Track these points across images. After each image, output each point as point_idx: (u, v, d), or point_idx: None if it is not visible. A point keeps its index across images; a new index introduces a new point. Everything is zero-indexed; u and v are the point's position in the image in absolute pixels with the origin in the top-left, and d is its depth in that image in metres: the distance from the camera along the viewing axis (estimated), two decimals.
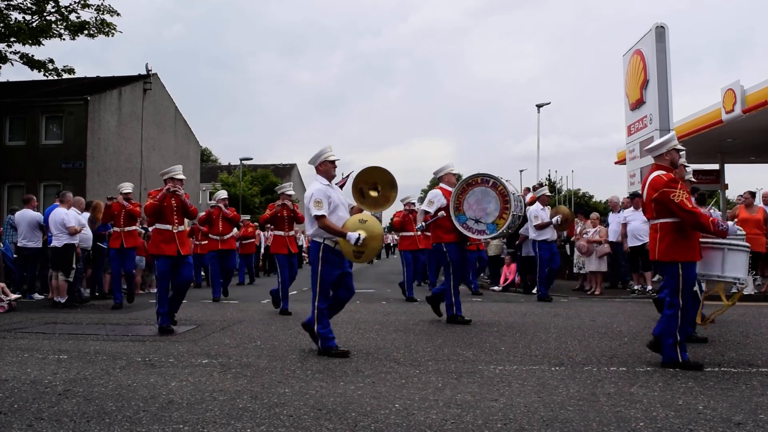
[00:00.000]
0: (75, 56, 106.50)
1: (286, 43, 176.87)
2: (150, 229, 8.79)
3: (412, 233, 11.67)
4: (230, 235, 11.63)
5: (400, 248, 12.34)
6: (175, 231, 7.11)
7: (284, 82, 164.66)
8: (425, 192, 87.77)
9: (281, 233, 9.01)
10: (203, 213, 11.84)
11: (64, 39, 21.36)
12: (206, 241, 12.43)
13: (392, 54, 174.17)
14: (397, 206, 11.82)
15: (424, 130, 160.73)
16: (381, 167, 6.52)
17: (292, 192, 9.48)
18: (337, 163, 5.80)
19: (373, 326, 7.31)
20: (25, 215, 10.65)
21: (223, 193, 11.38)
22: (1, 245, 11.12)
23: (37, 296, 10.73)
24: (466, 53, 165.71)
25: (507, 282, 13.41)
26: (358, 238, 5.27)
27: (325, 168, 5.63)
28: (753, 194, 11.07)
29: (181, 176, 7.45)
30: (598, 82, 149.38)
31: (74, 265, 9.63)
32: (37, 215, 10.77)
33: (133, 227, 9.86)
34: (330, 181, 5.68)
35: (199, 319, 8.04)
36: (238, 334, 6.70)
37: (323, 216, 5.32)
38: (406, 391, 4.08)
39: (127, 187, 10.01)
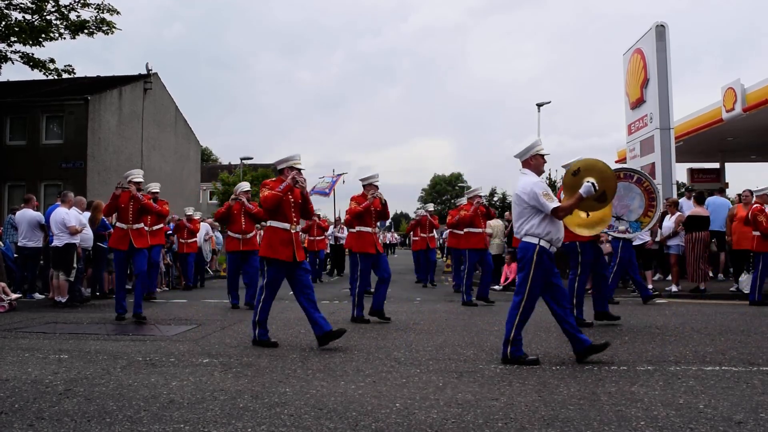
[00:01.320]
0: (75, 56, 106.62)
1: (286, 42, 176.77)
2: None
3: (461, 232, 10.73)
4: (253, 233, 9.87)
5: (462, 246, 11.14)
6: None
7: (284, 82, 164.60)
8: (425, 191, 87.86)
9: (368, 229, 8.03)
10: (221, 207, 10.19)
11: (64, 38, 21.35)
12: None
13: (392, 54, 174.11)
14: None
15: (425, 129, 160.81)
16: (611, 172, 5.33)
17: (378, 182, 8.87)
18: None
19: (373, 326, 7.31)
20: (26, 215, 10.66)
21: (245, 185, 9.92)
22: (2, 245, 11.12)
23: (37, 296, 10.74)
24: (466, 53, 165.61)
25: (508, 281, 13.40)
26: (592, 185, 4.89)
27: (536, 162, 5.26)
28: (752, 193, 11.06)
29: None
30: (598, 81, 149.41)
31: (75, 265, 9.62)
32: (38, 215, 10.77)
33: (142, 224, 8.39)
34: (539, 177, 5.26)
35: (199, 318, 8.04)
36: (238, 333, 6.70)
37: (558, 206, 4.96)
38: (406, 391, 4.08)
39: (138, 175, 8.41)
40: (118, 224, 8.35)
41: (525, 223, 5.05)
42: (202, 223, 14.88)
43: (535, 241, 4.97)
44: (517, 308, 4.96)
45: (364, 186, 8.28)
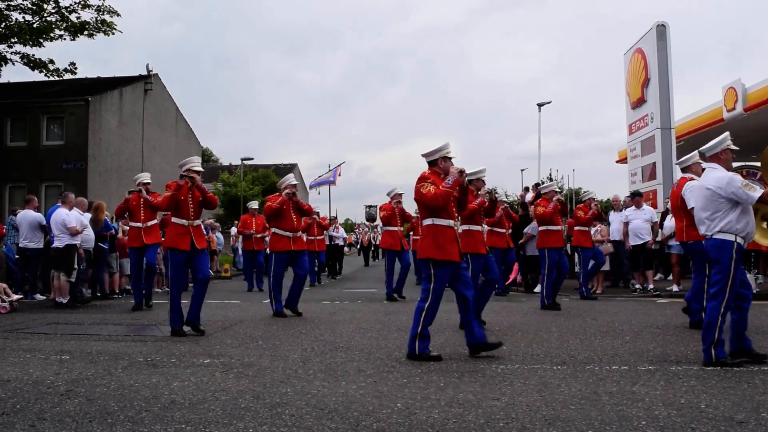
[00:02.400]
0: (76, 56, 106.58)
1: (287, 43, 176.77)
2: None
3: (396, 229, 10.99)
4: (301, 233, 9.10)
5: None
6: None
7: (286, 82, 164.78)
8: None
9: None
10: (273, 203, 8.69)
11: (64, 39, 21.38)
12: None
13: (394, 54, 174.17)
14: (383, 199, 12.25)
15: (425, 129, 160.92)
16: None
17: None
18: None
19: (374, 326, 7.31)
20: (26, 216, 10.66)
21: (290, 178, 8.79)
22: (3, 246, 11.13)
23: (38, 297, 10.74)
24: (467, 52, 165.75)
25: (509, 281, 13.40)
26: None
27: (726, 156, 5.16)
28: None
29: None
30: (599, 80, 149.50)
31: (76, 266, 9.63)
32: (38, 216, 10.78)
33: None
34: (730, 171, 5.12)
35: (200, 318, 8.03)
36: (239, 333, 6.70)
37: (764, 191, 4.84)
38: (408, 391, 4.08)
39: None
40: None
41: (720, 219, 4.87)
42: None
43: (731, 238, 4.82)
44: (718, 309, 4.81)
45: (471, 181, 6.80)
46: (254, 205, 14.07)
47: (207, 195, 7.11)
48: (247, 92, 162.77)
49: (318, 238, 14.46)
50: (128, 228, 9.52)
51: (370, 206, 35.13)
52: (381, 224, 13.95)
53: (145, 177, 9.42)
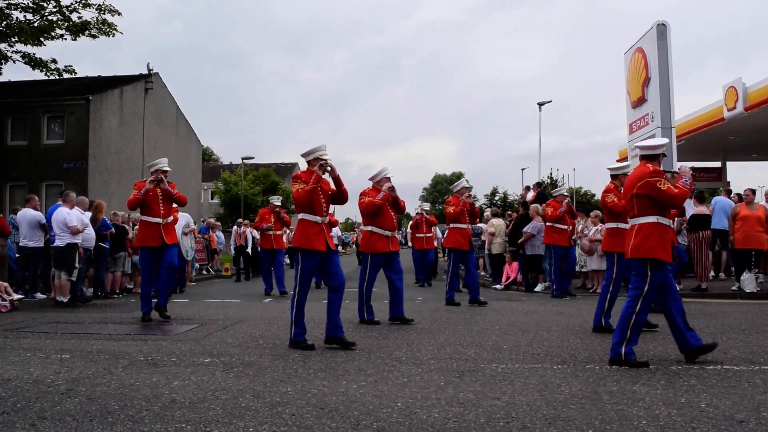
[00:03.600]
0: (78, 55, 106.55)
1: (289, 41, 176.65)
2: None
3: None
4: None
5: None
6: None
7: (288, 81, 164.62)
8: (426, 191, 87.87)
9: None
10: (373, 199, 8.30)
11: (65, 39, 21.38)
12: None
13: (395, 52, 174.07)
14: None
15: (427, 128, 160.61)
16: None
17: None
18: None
19: (375, 325, 7.31)
20: (26, 215, 10.67)
21: (386, 170, 8.02)
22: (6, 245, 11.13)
23: (39, 296, 10.75)
24: (469, 51, 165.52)
25: (509, 280, 13.41)
26: None
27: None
28: (754, 192, 11.07)
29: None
30: (601, 79, 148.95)
31: (76, 265, 9.63)
32: (38, 215, 10.78)
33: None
34: None
35: (201, 318, 8.04)
36: (240, 332, 6.70)
37: None
38: (408, 390, 4.08)
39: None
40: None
41: None
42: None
43: None
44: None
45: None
46: (277, 200, 12.73)
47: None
48: (248, 91, 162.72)
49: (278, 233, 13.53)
50: (140, 224, 8.20)
51: None
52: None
53: (164, 163, 8.18)
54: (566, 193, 10.89)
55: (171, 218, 8.19)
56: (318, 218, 5.93)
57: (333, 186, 6.16)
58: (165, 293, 7.93)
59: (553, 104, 42.40)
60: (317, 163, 5.88)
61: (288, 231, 15.22)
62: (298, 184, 5.85)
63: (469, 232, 9.66)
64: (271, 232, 12.30)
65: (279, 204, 12.64)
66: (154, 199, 7.89)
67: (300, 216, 5.93)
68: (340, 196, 6.17)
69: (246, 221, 18.55)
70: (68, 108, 21.34)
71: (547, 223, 10.66)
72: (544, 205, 11.70)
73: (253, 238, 16.71)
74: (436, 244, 17.27)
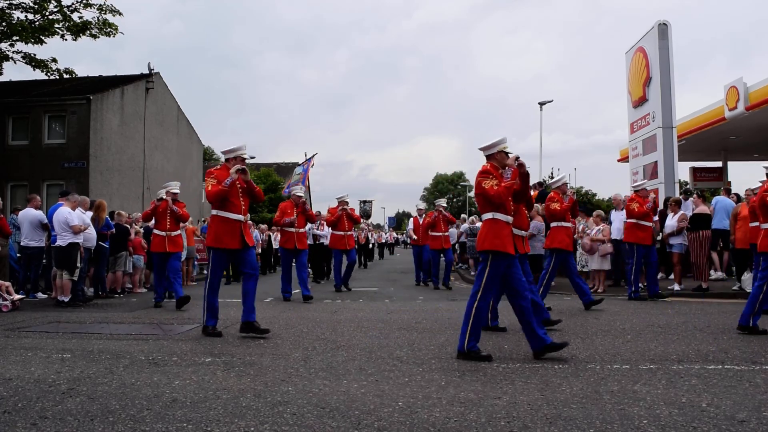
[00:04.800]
0: (79, 55, 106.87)
1: (291, 41, 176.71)
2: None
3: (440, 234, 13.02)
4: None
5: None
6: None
7: (289, 81, 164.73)
8: (427, 190, 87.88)
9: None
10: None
11: (65, 39, 21.39)
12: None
13: (397, 51, 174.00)
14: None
15: (429, 127, 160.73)
16: None
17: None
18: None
19: (376, 324, 7.31)
20: (27, 214, 10.68)
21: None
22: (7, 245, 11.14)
23: (40, 295, 10.76)
24: (470, 50, 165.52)
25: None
26: None
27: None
28: (755, 191, 11.05)
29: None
30: (603, 78, 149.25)
31: (78, 264, 9.64)
32: (39, 214, 10.79)
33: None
34: None
35: (201, 317, 8.03)
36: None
37: None
38: (409, 389, 4.08)
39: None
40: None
41: None
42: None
43: None
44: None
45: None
46: (299, 191, 11.02)
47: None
48: (250, 91, 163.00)
49: (348, 233, 12.41)
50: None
51: (365, 201, 32.74)
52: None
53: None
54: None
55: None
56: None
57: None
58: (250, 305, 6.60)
59: (554, 103, 42.30)
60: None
61: (313, 227, 15.00)
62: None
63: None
64: (293, 229, 10.52)
65: (302, 195, 10.97)
66: (235, 192, 6.56)
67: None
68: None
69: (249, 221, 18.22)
70: (69, 108, 21.34)
71: (552, 223, 9.78)
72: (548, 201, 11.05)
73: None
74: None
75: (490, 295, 5.22)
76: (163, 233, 9.47)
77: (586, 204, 28.86)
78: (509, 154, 5.35)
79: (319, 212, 16.88)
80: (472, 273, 14.29)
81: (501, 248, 5.09)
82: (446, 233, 13.29)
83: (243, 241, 6.39)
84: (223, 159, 6.69)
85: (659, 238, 11.81)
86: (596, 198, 52.47)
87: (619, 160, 24.07)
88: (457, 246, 18.80)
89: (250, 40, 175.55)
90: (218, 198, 6.32)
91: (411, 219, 14.49)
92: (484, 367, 4.79)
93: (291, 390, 4.07)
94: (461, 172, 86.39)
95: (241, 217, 6.48)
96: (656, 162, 15.72)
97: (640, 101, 16.68)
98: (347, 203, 12.62)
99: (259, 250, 16.82)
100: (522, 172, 5.41)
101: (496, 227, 5.18)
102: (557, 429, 3.23)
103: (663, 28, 15.47)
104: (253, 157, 34.58)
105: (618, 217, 12.05)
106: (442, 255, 13.61)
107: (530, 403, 3.73)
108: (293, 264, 10.74)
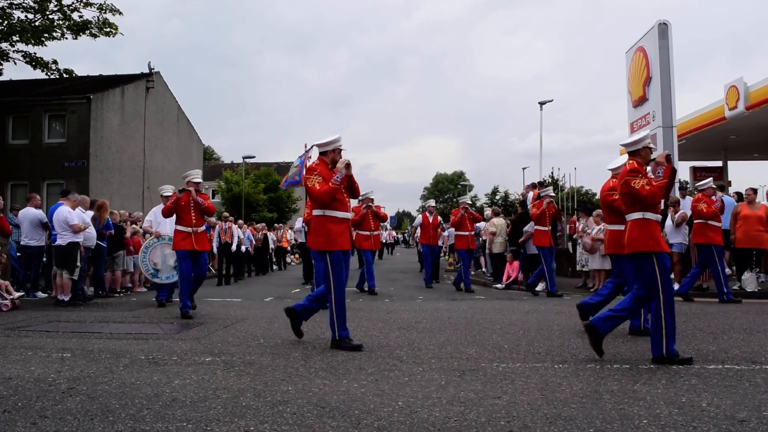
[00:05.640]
0: (80, 54, 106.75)
1: (291, 41, 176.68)
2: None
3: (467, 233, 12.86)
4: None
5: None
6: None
7: (289, 80, 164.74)
8: (427, 190, 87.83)
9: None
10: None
11: (66, 38, 21.38)
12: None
13: (397, 51, 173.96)
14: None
15: (429, 127, 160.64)
16: None
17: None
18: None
19: (376, 324, 7.31)
20: (27, 214, 10.68)
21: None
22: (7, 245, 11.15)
23: (40, 294, 10.76)
24: (471, 49, 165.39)
25: (510, 279, 13.40)
26: None
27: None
28: (755, 191, 11.06)
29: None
30: (604, 78, 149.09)
31: (78, 264, 9.64)
32: (39, 213, 10.79)
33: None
34: None
35: (202, 317, 8.05)
36: (241, 331, 6.70)
37: None
38: (409, 389, 4.08)
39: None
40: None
41: None
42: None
43: None
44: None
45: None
46: (371, 194, 11.48)
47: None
48: (250, 90, 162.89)
49: (375, 233, 12.21)
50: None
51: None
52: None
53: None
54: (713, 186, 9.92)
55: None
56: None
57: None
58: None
59: (555, 103, 42.39)
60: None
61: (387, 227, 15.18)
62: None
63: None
64: (368, 233, 11.78)
65: (372, 198, 11.70)
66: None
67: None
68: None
69: (231, 217, 16.85)
70: (69, 107, 21.34)
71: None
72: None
73: (238, 237, 15.68)
74: (441, 243, 16.73)
75: (671, 296, 5.04)
76: (188, 229, 8.14)
77: (586, 204, 28.88)
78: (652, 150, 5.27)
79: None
80: (471, 273, 14.27)
81: (658, 248, 4.99)
82: (472, 232, 13.02)
83: (352, 242, 6.09)
84: (317, 153, 5.99)
85: None
86: (596, 198, 52.48)
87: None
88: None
89: (250, 39, 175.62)
90: (330, 197, 5.67)
91: (420, 216, 13.96)
92: (484, 367, 4.79)
93: (291, 389, 4.07)
94: (461, 171, 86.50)
95: (349, 215, 5.97)
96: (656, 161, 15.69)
97: (640, 101, 16.66)
98: (372, 200, 12.07)
99: (240, 249, 16.34)
100: (672, 168, 5.25)
101: (649, 228, 5.03)
102: (557, 429, 3.23)
103: (663, 28, 15.45)
104: (253, 157, 34.66)
105: None
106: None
107: (530, 402, 3.73)
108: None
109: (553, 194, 11.24)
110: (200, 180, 8.44)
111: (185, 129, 28.67)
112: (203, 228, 8.39)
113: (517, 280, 13.22)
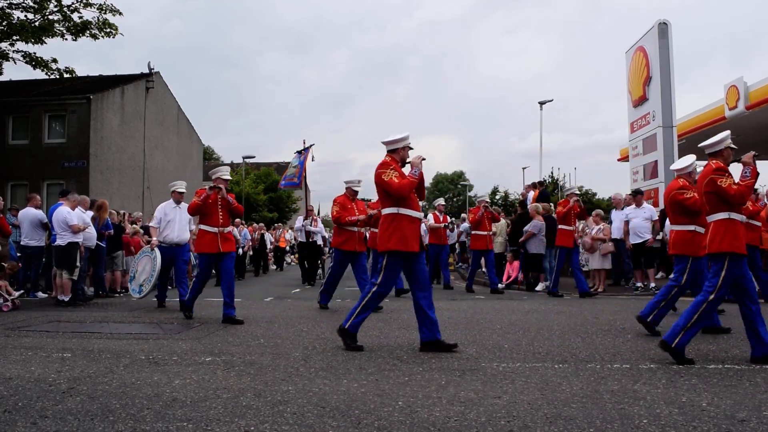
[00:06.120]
0: (80, 54, 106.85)
1: (291, 41, 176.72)
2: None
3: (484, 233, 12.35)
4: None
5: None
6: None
7: (289, 80, 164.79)
8: (427, 190, 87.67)
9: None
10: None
11: (65, 39, 21.38)
12: None
13: (398, 51, 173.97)
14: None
15: (429, 127, 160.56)
16: None
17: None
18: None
19: (376, 324, 7.31)
20: (27, 214, 10.68)
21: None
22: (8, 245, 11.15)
23: (40, 295, 10.76)
24: (471, 49, 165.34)
25: (510, 279, 13.41)
26: None
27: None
28: (755, 191, 11.04)
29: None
30: (604, 77, 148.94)
31: (78, 264, 9.64)
32: (39, 213, 10.79)
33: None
34: None
35: (202, 317, 8.05)
36: (241, 331, 6.71)
37: None
38: (409, 389, 4.08)
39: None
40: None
41: None
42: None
43: None
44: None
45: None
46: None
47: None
48: (250, 90, 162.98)
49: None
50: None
51: (362, 200, 29.84)
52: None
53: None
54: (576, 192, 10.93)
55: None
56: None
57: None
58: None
59: (555, 103, 42.46)
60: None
61: (306, 224, 14.49)
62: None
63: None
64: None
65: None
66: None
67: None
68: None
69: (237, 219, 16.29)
70: (69, 107, 21.35)
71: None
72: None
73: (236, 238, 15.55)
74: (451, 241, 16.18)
75: (721, 298, 4.96)
76: (215, 229, 7.64)
77: (586, 203, 28.92)
78: (733, 149, 5.21)
79: (311, 207, 16.09)
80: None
81: (739, 250, 4.92)
82: (491, 232, 12.51)
83: (421, 244, 5.75)
84: (387, 149, 5.68)
85: (660, 237, 11.81)
86: (596, 197, 52.46)
87: (619, 160, 24.07)
88: (457, 245, 18.63)
89: (250, 39, 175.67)
90: (411, 190, 5.42)
91: (430, 215, 13.19)
92: (485, 367, 4.79)
93: (291, 389, 4.07)
94: (461, 171, 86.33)
95: (421, 215, 5.70)
96: (656, 161, 15.72)
97: (641, 100, 16.67)
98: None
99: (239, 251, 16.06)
100: (757, 170, 5.19)
101: (734, 228, 4.96)
102: (557, 428, 3.23)
103: (663, 28, 15.46)
104: (253, 157, 34.67)
105: (618, 217, 12.05)
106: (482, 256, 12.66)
107: (530, 402, 3.73)
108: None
109: (578, 192, 11.12)
110: (230, 177, 8.09)
111: (185, 129, 28.68)
112: (230, 228, 7.95)
113: (517, 280, 13.22)
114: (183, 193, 9.32)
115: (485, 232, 12.24)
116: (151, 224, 9.57)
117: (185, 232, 9.35)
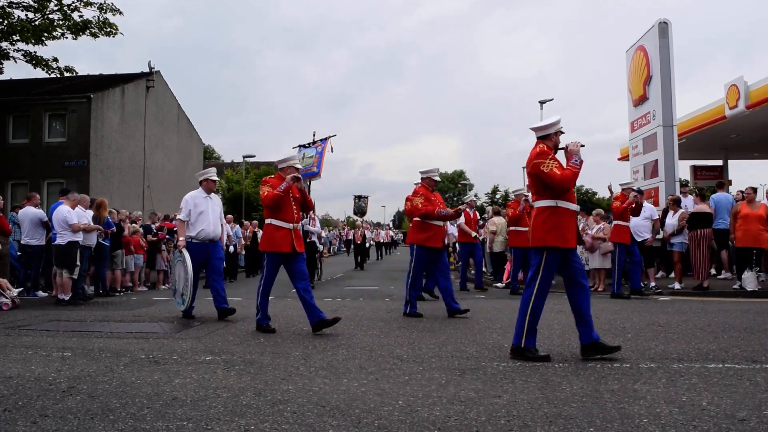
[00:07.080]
0: (80, 53, 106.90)
1: (292, 40, 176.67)
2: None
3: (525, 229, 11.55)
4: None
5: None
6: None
7: (289, 79, 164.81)
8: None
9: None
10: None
11: (66, 38, 21.39)
12: None
13: (399, 50, 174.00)
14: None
15: (429, 126, 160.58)
16: None
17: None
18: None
19: (376, 323, 7.31)
20: (28, 213, 10.69)
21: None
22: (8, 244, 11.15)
23: (40, 294, 10.77)
24: (472, 48, 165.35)
25: (510, 279, 13.39)
26: None
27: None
28: (755, 190, 11.06)
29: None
30: (604, 77, 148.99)
31: (78, 263, 9.65)
32: (40, 212, 10.80)
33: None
34: None
35: (202, 316, 8.06)
36: (241, 331, 6.71)
37: None
38: (409, 388, 4.08)
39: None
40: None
41: None
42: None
43: None
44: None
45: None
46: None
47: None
48: (250, 89, 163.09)
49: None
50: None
51: (359, 197, 27.04)
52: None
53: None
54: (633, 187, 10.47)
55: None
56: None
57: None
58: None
59: (555, 102, 42.47)
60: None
61: (305, 223, 14.11)
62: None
63: None
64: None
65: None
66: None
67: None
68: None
69: (230, 216, 16.22)
70: (70, 106, 21.34)
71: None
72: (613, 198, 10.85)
73: (228, 236, 14.75)
74: (447, 241, 15.91)
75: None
76: (290, 225, 6.75)
77: (586, 203, 28.89)
78: None
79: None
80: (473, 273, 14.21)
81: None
82: (523, 228, 11.25)
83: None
84: (536, 136, 5.50)
85: (660, 236, 11.81)
86: (596, 197, 52.50)
87: (619, 159, 24.06)
88: (457, 245, 18.48)
89: (250, 38, 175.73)
90: (575, 182, 5.21)
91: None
92: (485, 366, 4.79)
93: (291, 388, 4.07)
94: (461, 170, 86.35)
95: (577, 207, 5.44)
96: (656, 160, 15.71)
97: (641, 100, 16.66)
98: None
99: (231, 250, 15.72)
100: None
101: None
102: (557, 428, 3.23)
103: (663, 27, 15.45)
104: (253, 156, 34.66)
105: None
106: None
107: (530, 401, 3.73)
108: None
109: (635, 187, 10.79)
110: (217, 179, 7.65)
111: (185, 128, 28.66)
112: (299, 225, 7.13)
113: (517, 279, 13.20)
114: (216, 181, 8.32)
115: (526, 228, 11.59)
116: (179, 217, 8.16)
117: (218, 226, 8.20)
